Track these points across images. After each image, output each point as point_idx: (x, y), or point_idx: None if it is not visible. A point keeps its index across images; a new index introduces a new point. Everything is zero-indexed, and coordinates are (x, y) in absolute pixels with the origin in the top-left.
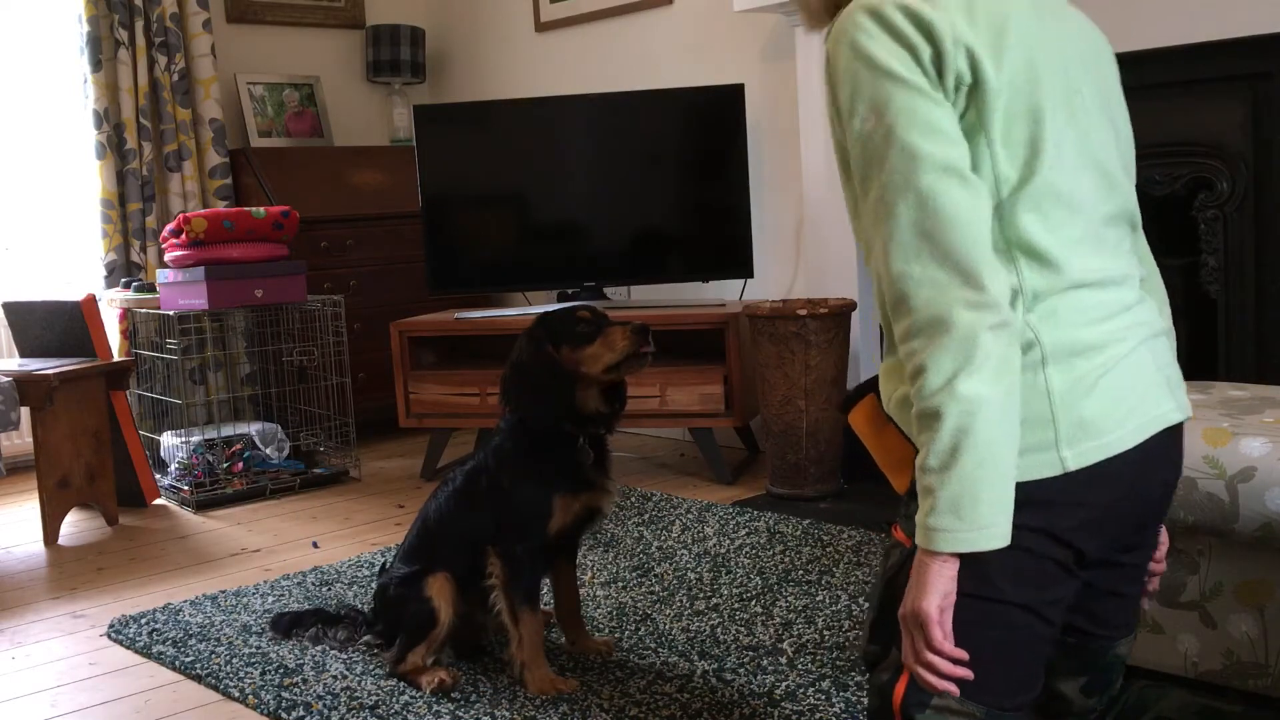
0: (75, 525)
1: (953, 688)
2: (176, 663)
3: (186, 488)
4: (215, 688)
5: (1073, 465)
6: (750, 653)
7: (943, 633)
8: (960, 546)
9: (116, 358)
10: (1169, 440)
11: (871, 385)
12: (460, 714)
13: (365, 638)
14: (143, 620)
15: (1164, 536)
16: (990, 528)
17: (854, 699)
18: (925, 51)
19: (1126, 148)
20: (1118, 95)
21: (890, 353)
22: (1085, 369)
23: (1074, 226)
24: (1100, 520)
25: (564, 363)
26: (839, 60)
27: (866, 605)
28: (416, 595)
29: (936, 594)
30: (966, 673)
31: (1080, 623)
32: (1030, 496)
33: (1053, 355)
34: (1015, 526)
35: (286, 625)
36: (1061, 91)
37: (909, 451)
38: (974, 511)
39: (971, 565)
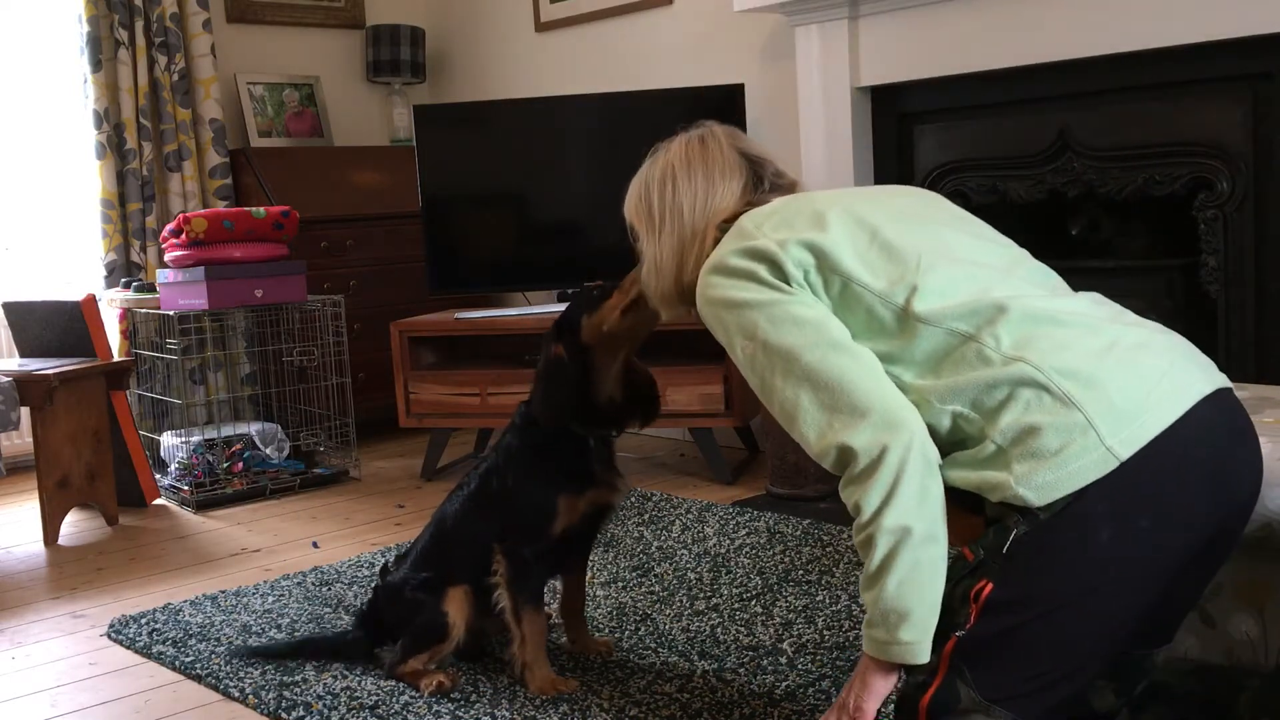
0: (75, 525)
1: None
2: (176, 663)
3: (186, 488)
4: (215, 688)
5: (1124, 453)
6: (750, 653)
7: None
8: (891, 657)
9: (116, 358)
10: (1215, 410)
11: None
12: (460, 714)
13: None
14: (143, 620)
15: None
16: (912, 645)
17: None
18: (762, 269)
19: (994, 233)
20: (960, 210)
21: None
22: (1090, 364)
23: (984, 280)
24: (1174, 504)
25: (584, 337)
26: (708, 316)
27: None
28: (434, 606)
29: (877, 697)
30: None
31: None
32: (1092, 500)
33: (1053, 367)
34: (1081, 529)
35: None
36: (894, 218)
37: (978, 520)
38: (899, 627)
39: (1031, 576)
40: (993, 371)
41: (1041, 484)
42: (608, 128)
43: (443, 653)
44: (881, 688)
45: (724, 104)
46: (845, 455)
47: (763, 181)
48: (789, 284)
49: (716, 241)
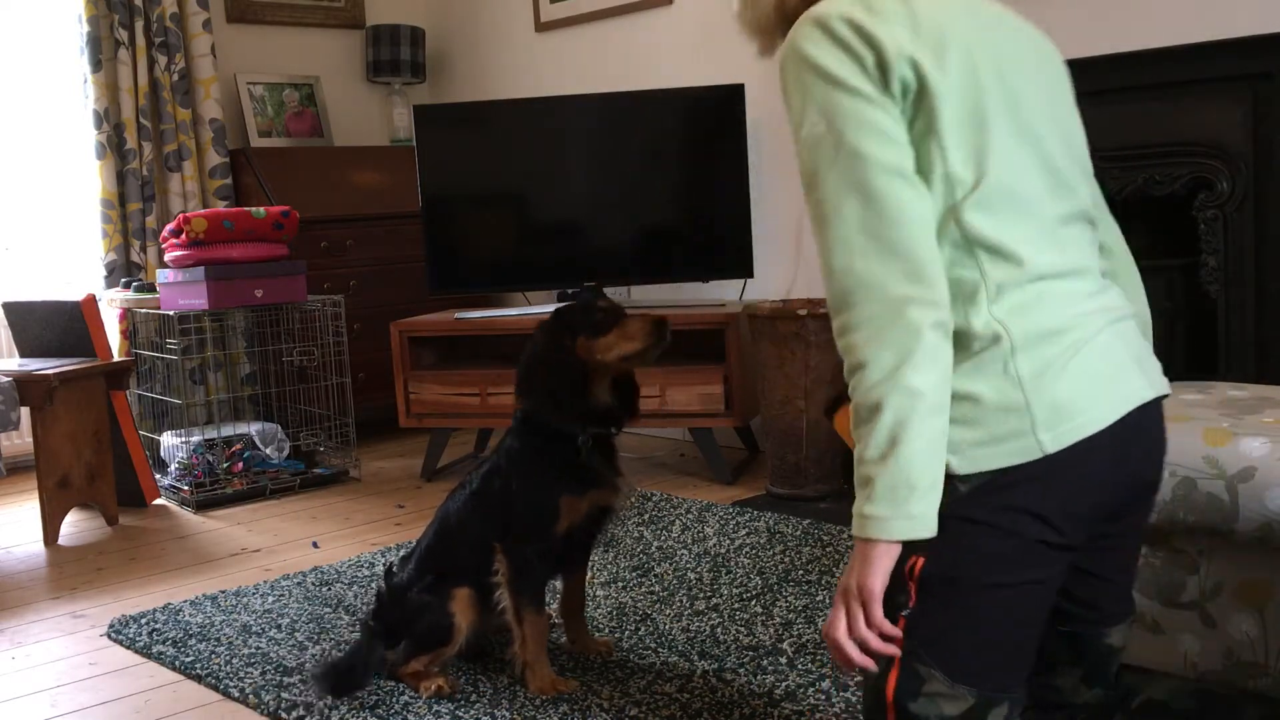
0: (75, 525)
1: (872, 664)
2: (176, 663)
3: (186, 488)
4: (215, 688)
5: (1051, 448)
6: (750, 653)
7: (881, 611)
8: (896, 535)
9: (116, 358)
10: (1146, 418)
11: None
12: (460, 714)
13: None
14: (143, 620)
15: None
16: (921, 518)
17: (854, 699)
18: (869, 59)
19: (1079, 149)
20: (1067, 100)
21: None
22: (1053, 354)
23: (1027, 224)
24: (1083, 502)
25: (579, 352)
26: (789, 70)
27: None
28: (439, 608)
29: (882, 573)
30: (895, 649)
31: (1070, 609)
32: (1012, 480)
33: (1021, 344)
34: (1000, 508)
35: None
36: (1004, 97)
37: None
38: (908, 500)
39: (958, 551)
40: (975, 320)
41: (967, 454)
42: (608, 128)
43: (446, 655)
44: (885, 564)
45: (724, 104)
46: (860, 293)
47: None
48: (888, 92)
49: None
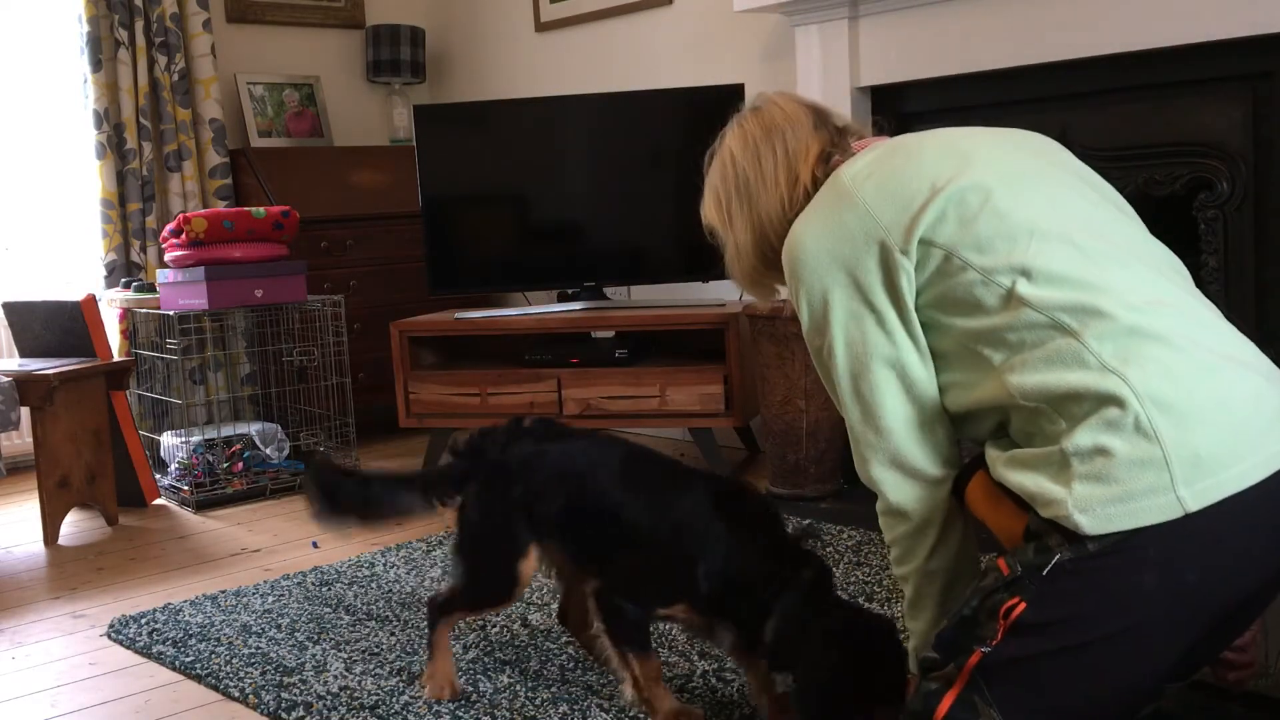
0: (75, 525)
1: None
2: (176, 663)
3: (186, 488)
4: (215, 688)
5: (1193, 505)
6: None
7: None
8: None
9: (116, 358)
10: None
11: (979, 462)
12: (460, 714)
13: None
14: (143, 620)
15: (1255, 625)
16: None
17: None
18: (872, 259)
19: (1122, 204)
20: (1082, 167)
21: (994, 442)
22: (1182, 399)
23: (1100, 267)
24: (1227, 566)
25: None
26: (790, 280)
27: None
28: (510, 556)
29: None
30: None
31: None
32: (1147, 541)
33: (1146, 392)
34: (1127, 570)
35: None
36: (1008, 178)
37: (1023, 518)
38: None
39: (1065, 608)
40: (1086, 378)
41: (1099, 514)
42: (608, 128)
43: (498, 610)
44: None
45: (724, 104)
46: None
47: (826, 122)
48: (895, 299)
49: (814, 183)
